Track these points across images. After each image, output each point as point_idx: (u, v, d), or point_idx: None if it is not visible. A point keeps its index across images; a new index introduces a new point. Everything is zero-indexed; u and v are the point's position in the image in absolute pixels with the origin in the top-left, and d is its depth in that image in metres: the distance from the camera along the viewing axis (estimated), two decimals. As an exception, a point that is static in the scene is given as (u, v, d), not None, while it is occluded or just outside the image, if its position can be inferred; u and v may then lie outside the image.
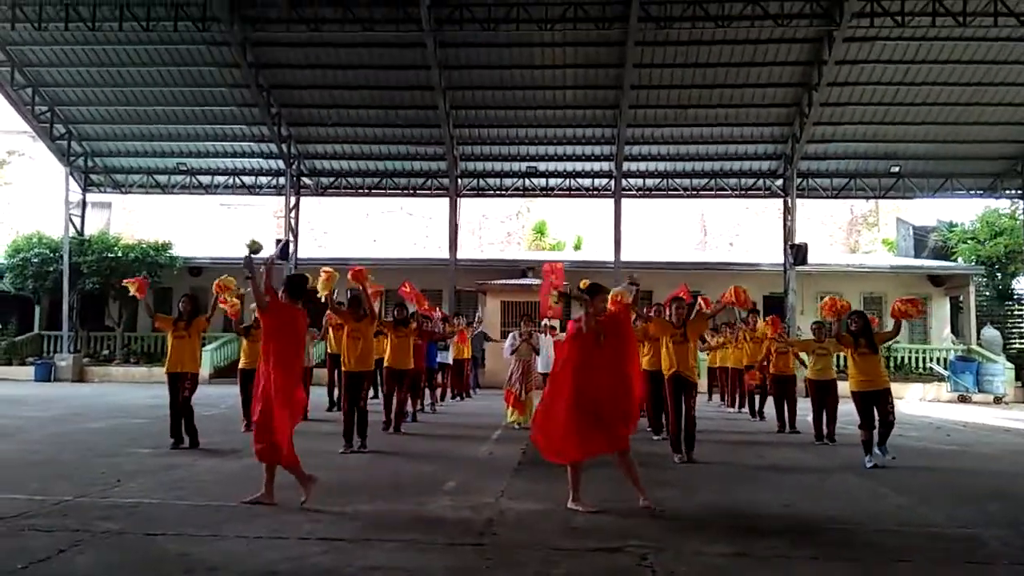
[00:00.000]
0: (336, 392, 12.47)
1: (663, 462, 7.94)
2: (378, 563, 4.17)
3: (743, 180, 22.70)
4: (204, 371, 20.61)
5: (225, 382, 19.37)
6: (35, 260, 21.69)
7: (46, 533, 4.63)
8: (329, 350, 12.45)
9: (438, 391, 14.30)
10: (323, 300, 8.58)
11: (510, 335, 11.50)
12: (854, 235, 34.78)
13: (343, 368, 8.66)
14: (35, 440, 8.79)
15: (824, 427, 9.86)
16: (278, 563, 4.12)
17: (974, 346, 21.60)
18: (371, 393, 11.16)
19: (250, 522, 5.03)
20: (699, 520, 5.36)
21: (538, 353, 11.93)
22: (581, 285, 5.98)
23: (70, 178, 22.66)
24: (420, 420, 11.68)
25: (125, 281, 9.59)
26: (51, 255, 21.85)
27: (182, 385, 8.35)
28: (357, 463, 7.65)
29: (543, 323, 19.30)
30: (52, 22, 18.15)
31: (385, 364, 10.23)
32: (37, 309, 23.45)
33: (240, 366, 10.39)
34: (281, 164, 22.39)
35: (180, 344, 8.45)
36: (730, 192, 23.07)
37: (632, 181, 22.73)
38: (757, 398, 12.77)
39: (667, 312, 8.94)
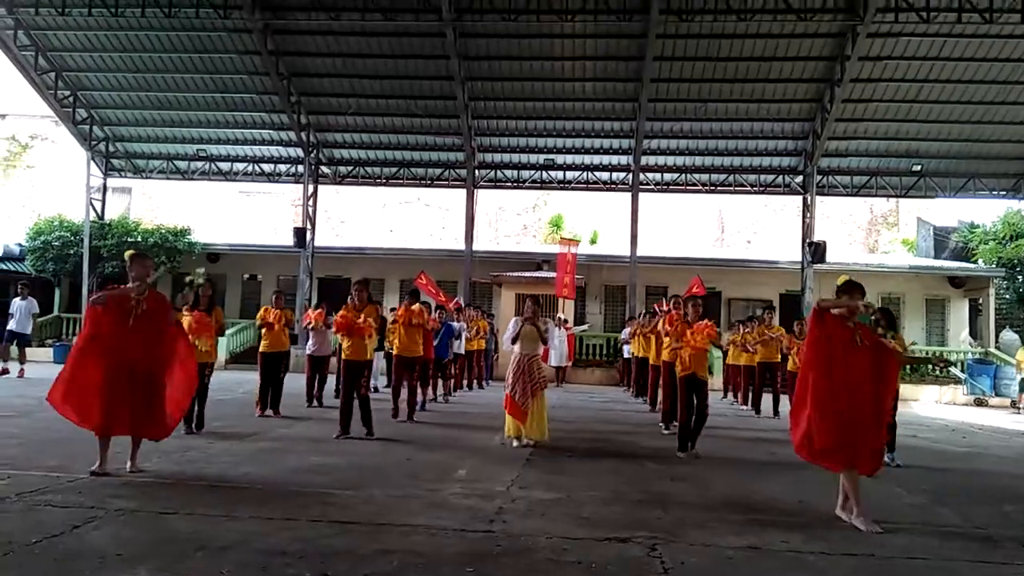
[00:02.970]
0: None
1: (674, 456, 7.93)
2: (389, 547, 4.19)
3: (762, 176, 22.53)
4: (220, 357, 20.91)
5: (240, 368, 19.52)
6: (56, 243, 21.94)
7: (61, 509, 4.69)
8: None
9: (451, 381, 14.33)
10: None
11: (512, 321, 8.97)
12: (873, 235, 34.48)
13: (342, 356, 8.73)
14: (52, 419, 8.84)
15: None
16: (290, 544, 4.15)
17: (992, 349, 21.37)
18: (382, 383, 11.27)
19: (263, 503, 5.07)
20: (710, 513, 5.33)
21: (545, 342, 9.19)
22: (838, 282, 5.47)
23: (91, 162, 22.86)
24: (432, 409, 11.71)
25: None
26: (72, 238, 22.09)
27: (201, 373, 8.32)
28: (369, 450, 7.68)
29: (557, 316, 19.42)
30: (75, 7, 18.27)
31: (394, 352, 10.28)
32: (57, 292, 23.71)
33: (261, 350, 10.34)
34: (300, 152, 22.49)
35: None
36: (749, 188, 22.90)
37: (650, 176, 22.63)
38: (769, 396, 12.82)
39: (684, 309, 9.20)
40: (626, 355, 17.80)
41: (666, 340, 9.84)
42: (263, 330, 10.44)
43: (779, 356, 12.79)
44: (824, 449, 5.15)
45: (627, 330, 17.49)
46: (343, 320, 8.49)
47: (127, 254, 6.13)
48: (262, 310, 10.56)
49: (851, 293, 5.29)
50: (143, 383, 5.73)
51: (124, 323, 5.71)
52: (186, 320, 8.42)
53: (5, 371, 14.46)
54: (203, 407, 8.49)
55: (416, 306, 10.29)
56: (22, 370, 14.59)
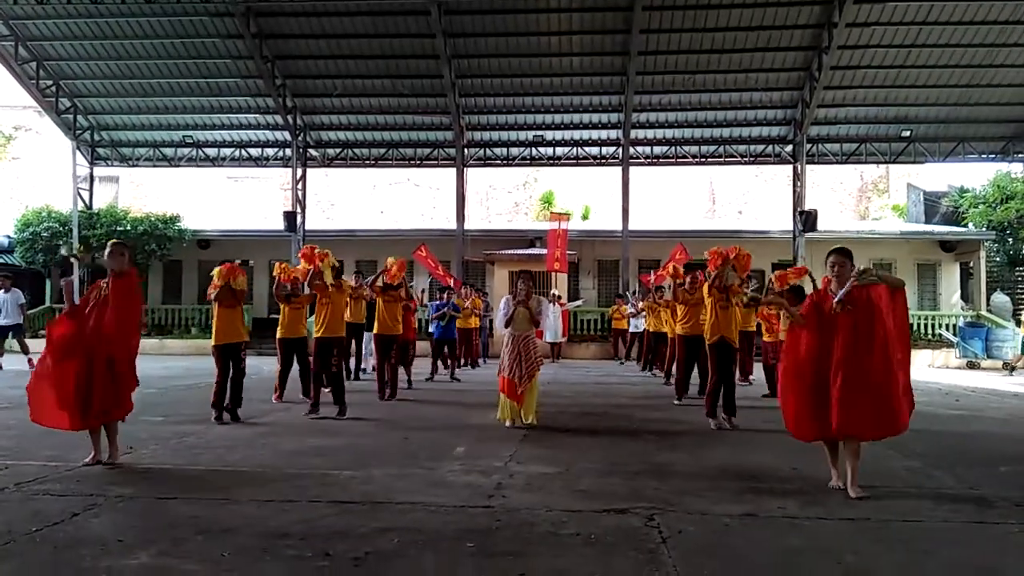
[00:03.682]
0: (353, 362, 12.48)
1: (676, 426, 7.98)
2: (389, 524, 4.21)
3: (752, 147, 22.50)
4: (210, 343, 20.88)
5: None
6: (45, 234, 21.80)
7: (59, 498, 4.69)
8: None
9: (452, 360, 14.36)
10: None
11: (502, 300, 8.51)
12: (864, 202, 34.51)
13: (314, 335, 8.69)
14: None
15: None
16: (290, 525, 4.16)
17: (984, 312, 21.50)
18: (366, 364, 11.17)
19: (262, 486, 5.08)
20: (706, 482, 5.37)
21: (537, 324, 8.37)
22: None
23: (77, 152, 22.68)
24: (428, 388, 11.75)
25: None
26: (60, 229, 21.95)
27: (237, 356, 8.12)
28: (366, 430, 7.71)
29: (552, 292, 19.43)
30: (54, -6, 18.06)
31: (374, 331, 10.28)
32: (47, 283, 23.58)
33: (280, 336, 9.75)
34: (287, 135, 22.34)
35: (230, 314, 8.11)
36: (739, 159, 22.88)
37: (640, 149, 22.57)
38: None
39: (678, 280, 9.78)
40: (632, 329, 17.82)
41: (680, 311, 9.89)
42: (283, 309, 9.69)
43: (754, 325, 12.82)
44: (794, 422, 5.19)
45: (631, 305, 17.49)
46: (307, 257, 8.61)
47: (111, 243, 5.98)
48: (277, 267, 9.68)
49: (831, 258, 5.31)
50: (103, 369, 5.57)
51: (83, 314, 5.60)
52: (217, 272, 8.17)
53: None
54: (239, 393, 8.19)
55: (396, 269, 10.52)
56: (30, 359, 14.22)
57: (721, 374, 8.07)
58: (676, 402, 9.92)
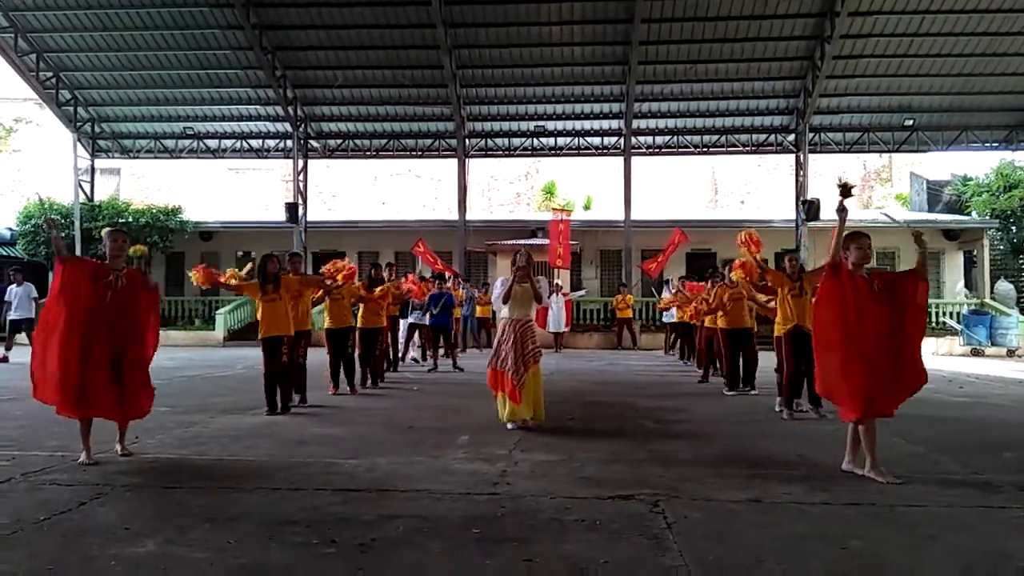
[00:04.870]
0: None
1: (680, 414, 7.98)
2: (394, 512, 4.22)
3: (755, 136, 22.46)
4: (219, 334, 20.90)
5: (238, 345, 19.51)
6: (46, 227, 21.81)
7: (66, 487, 4.70)
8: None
9: (444, 349, 14.35)
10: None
11: (498, 280, 7.60)
12: (867, 191, 34.43)
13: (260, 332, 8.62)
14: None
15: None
16: (296, 513, 4.17)
17: (988, 300, 21.48)
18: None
19: (267, 475, 5.09)
20: (711, 469, 5.37)
21: (540, 301, 7.33)
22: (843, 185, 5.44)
23: (78, 144, 22.68)
24: (430, 377, 11.76)
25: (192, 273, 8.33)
26: (63, 221, 21.94)
27: (288, 349, 7.98)
28: (370, 420, 7.72)
29: (555, 282, 19.42)
30: (54, -15, 18.02)
31: (357, 325, 10.29)
32: (50, 275, 23.54)
33: (325, 327, 9.76)
34: (288, 127, 22.31)
35: (271, 307, 7.92)
36: (741, 148, 22.82)
37: (642, 139, 22.53)
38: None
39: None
40: (666, 320, 17.85)
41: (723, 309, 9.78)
42: (327, 304, 9.64)
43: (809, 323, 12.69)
44: (866, 400, 5.01)
45: (667, 294, 17.48)
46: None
47: (104, 231, 5.95)
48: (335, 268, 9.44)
49: (857, 241, 5.30)
50: (126, 364, 5.49)
51: (102, 301, 5.43)
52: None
53: (4, 359, 14.30)
54: (288, 385, 8.12)
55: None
56: None
57: (798, 364, 7.75)
58: (728, 392, 9.80)
